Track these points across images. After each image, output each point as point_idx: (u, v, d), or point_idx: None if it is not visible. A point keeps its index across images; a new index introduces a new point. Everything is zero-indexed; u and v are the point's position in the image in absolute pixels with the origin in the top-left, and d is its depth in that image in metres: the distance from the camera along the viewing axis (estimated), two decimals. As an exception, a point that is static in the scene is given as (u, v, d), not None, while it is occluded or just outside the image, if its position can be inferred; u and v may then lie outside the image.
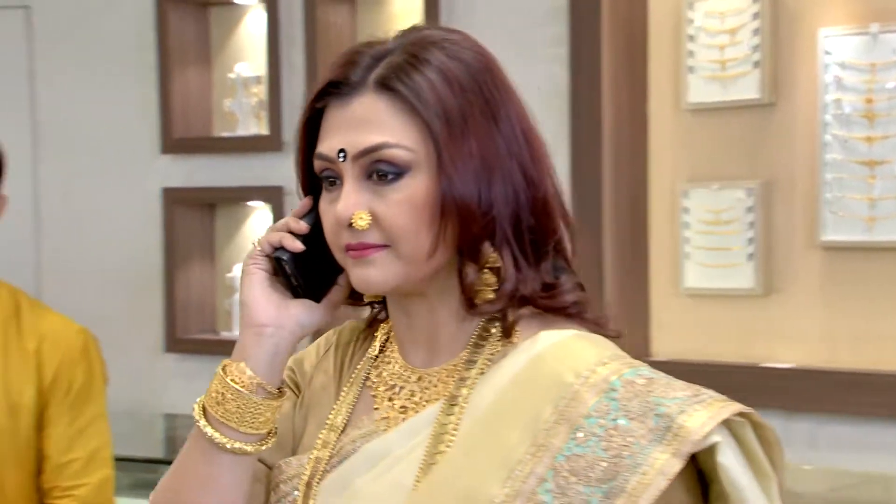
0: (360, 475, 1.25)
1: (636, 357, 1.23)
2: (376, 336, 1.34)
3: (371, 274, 1.21)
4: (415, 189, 1.20)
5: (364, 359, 1.34)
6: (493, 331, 1.25)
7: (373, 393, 1.30)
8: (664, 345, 3.32)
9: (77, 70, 4.35)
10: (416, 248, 1.20)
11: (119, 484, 3.69)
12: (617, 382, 1.15)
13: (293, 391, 1.37)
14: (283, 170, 3.55)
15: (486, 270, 1.24)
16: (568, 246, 1.27)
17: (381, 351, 1.34)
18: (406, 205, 1.20)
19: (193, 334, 4.11)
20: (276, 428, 1.28)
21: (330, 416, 1.32)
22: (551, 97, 3.30)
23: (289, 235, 1.27)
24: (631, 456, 1.11)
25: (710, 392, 1.16)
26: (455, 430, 1.21)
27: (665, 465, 1.10)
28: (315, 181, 1.26)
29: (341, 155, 1.21)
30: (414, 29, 1.26)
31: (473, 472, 1.16)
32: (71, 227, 4.40)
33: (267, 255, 1.28)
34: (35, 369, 2.49)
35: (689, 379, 1.19)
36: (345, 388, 1.33)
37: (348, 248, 1.21)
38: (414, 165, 1.20)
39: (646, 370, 1.17)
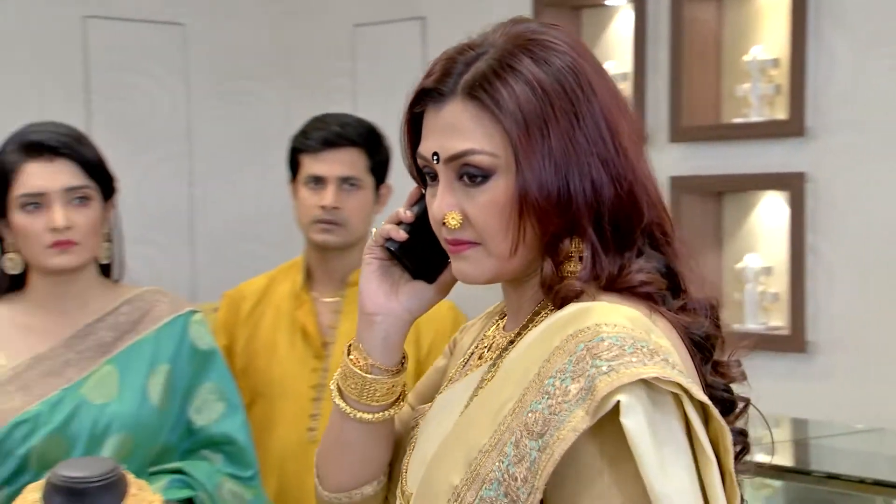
0: (435, 419, 1.36)
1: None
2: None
3: (465, 268, 1.28)
4: (499, 191, 1.24)
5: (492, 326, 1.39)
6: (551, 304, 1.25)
7: (475, 352, 1.39)
8: None
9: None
10: (503, 246, 1.25)
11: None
12: (581, 346, 1.15)
13: (450, 351, 1.50)
14: (802, 156, 3.59)
15: (569, 261, 1.26)
16: (667, 231, 1.29)
17: (501, 317, 1.39)
18: (492, 206, 1.24)
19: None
20: (403, 395, 1.40)
21: (451, 373, 1.43)
22: None
23: (394, 227, 1.34)
24: (560, 413, 1.12)
25: (669, 360, 1.15)
26: (484, 386, 1.29)
27: (579, 422, 1.11)
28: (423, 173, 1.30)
29: (435, 157, 1.26)
30: (511, 25, 1.28)
31: (477, 424, 1.21)
32: None
33: (381, 245, 1.36)
34: (414, 341, 2.63)
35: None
36: (470, 349, 1.42)
37: (446, 242, 1.29)
38: (498, 169, 1.24)
39: (617, 337, 1.14)
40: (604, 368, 1.11)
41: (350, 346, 1.37)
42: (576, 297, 1.22)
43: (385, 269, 1.37)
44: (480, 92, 1.23)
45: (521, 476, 1.13)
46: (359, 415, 1.38)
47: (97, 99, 4.82)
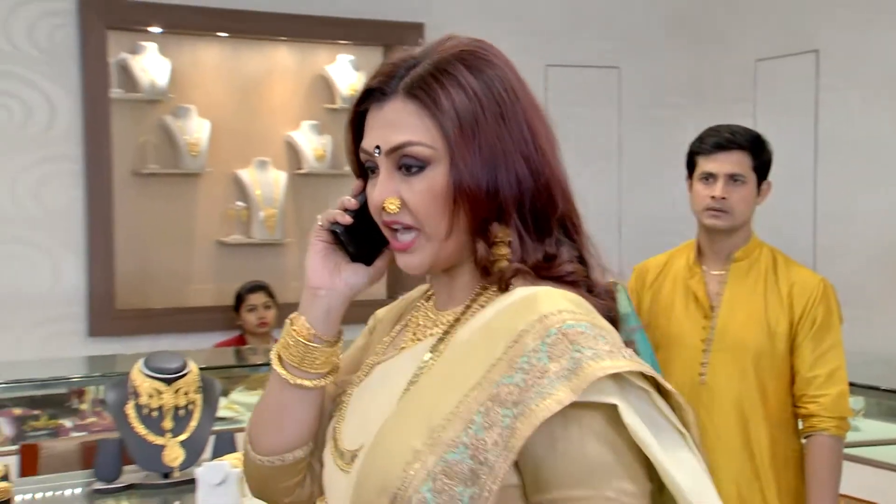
0: (372, 388, 1.24)
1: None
2: (431, 293, 1.30)
3: (409, 260, 1.18)
4: (434, 180, 1.14)
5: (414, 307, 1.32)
6: (492, 288, 1.18)
7: (406, 331, 1.29)
8: None
9: (859, 94, 4.50)
10: (438, 229, 1.16)
11: (871, 411, 3.63)
12: (553, 331, 1.06)
13: (369, 332, 1.38)
14: None
15: (498, 244, 1.16)
16: (576, 223, 1.19)
17: (426, 300, 1.29)
18: (428, 193, 1.15)
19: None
20: (336, 366, 1.29)
21: (378, 348, 1.31)
22: None
23: (340, 212, 1.24)
24: (541, 387, 1.03)
25: (631, 353, 1.08)
26: (435, 360, 1.17)
27: (563, 397, 1.02)
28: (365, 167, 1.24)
29: (377, 150, 1.17)
30: (448, 39, 1.19)
31: (436, 395, 1.10)
32: (843, 218, 4.54)
33: (327, 229, 1.25)
34: (788, 307, 2.55)
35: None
36: (396, 329, 1.31)
37: (385, 224, 1.18)
38: (434, 160, 1.14)
39: (586, 325, 1.07)
40: (588, 354, 1.03)
41: (292, 318, 1.26)
42: (513, 275, 1.15)
43: (329, 251, 1.26)
44: (420, 92, 1.14)
45: (492, 440, 1.03)
46: (298, 381, 1.25)
47: (555, 126, 5.00)
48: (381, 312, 1.38)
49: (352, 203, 1.22)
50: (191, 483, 2.17)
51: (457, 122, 1.13)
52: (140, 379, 2.45)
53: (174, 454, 2.38)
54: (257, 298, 4.59)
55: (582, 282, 1.16)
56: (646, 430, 1.03)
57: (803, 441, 2.58)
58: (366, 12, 4.82)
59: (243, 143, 4.87)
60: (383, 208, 1.15)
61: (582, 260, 1.17)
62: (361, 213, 1.21)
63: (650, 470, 1.06)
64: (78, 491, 2.27)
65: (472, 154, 1.13)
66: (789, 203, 4.49)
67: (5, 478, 1.94)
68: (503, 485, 1.03)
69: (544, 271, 1.15)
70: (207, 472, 2.09)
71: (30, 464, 3.11)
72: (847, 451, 2.67)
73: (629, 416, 1.03)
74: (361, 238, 1.23)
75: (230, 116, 4.86)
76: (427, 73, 1.14)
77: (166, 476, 2.43)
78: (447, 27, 4.91)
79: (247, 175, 4.87)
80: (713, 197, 2.55)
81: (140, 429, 2.40)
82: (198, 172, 4.77)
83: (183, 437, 2.42)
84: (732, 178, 2.56)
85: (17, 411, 3.94)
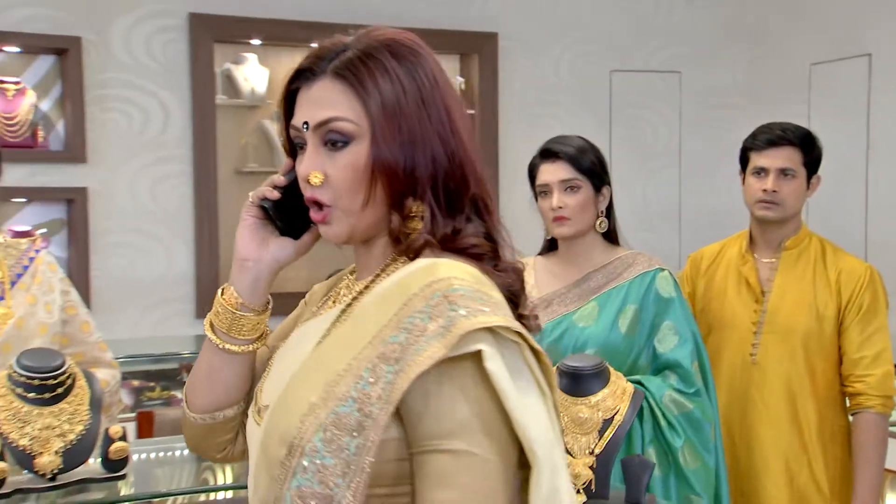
0: (289, 350, 1.23)
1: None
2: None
3: (329, 230, 1.17)
4: (356, 155, 1.13)
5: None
6: (402, 259, 1.17)
7: (328, 299, 1.27)
8: None
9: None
10: (354, 201, 1.14)
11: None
12: (437, 294, 1.06)
13: (304, 304, 1.36)
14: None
15: (413, 218, 1.15)
16: (488, 204, 1.18)
17: (351, 273, 1.27)
18: (350, 167, 1.14)
19: None
20: (265, 333, 1.27)
21: (305, 316, 1.30)
22: None
23: (269, 188, 1.22)
24: (417, 344, 1.03)
25: (507, 312, 1.08)
26: (341, 323, 1.16)
27: (436, 352, 1.01)
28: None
29: (305, 126, 1.15)
30: (374, 29, 1.19)
31: (335, 354, 1.10)
32: (894, 214, 4.48)
33: (257, 205, 1.24)
34: (836, 293, 2.55)
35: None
36: (323, 299, 1.29)
37: (309, 201, 1.17)
38: (357, 136, 1.13)
39: (469, 290, 1.06)
40: (462, 313, 1.03)
41: (223, 288, 1.25)
42: (423, 246, 1.14)
43: (258, 225, 1.24)
44: (347, 73, 1.14)
45: (377, 395, 1.03)
46: (227, 346, 1.24)
47: (616, 129, 5.20)
48: (317, 286, 1.36)
49: (280, 180, 1.21)
50: None
51: (380, 103, 1.12)
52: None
53: None
54: (347, 284, 4.65)
55: (486, 256, 1.16)
56: (508, 379, 1.03)
57: (850, 418, 2.58)
58: (444, 23, 4.82)
59: (332, 144, 4.89)
60: (307, 181, 1.14)
61: (490, 238, 1.17)
62: (291, 190, 1.20)
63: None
64: (186, 452, 2.37)
65: (393, 133, 1.12)
66: (842, 198, 4.47)
67: (123, 438, 2.05)
68: (389, 437, 1.04)
69: (450, 244, 1.14)
70: None
71: (145, 428, 3.24)
72: (892, 428, 2.66)
73: (492, 363, 1.02)
74: (289, 213, 1.21)
75: (322, 119, 4.89)
76: (355, 57, 1.14)
77: None
78: (519, 36, 5.01)
79: None
80: (765, 190, 2.55)
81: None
82: None
83: None
84: (783, 173, 2.55)
85: (135, 383, 4.06)
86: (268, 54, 4.72)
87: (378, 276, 1.18)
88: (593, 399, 1.82)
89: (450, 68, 4.96)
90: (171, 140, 4.44)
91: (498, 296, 1.09)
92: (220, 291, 1.24)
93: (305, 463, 1.04)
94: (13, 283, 2.28)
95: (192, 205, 4.48)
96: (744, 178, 2.64)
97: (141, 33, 4.40)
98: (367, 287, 1.17)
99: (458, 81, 4.96)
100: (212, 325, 1.24)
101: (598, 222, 2.37)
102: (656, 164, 5.29)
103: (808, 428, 2.55)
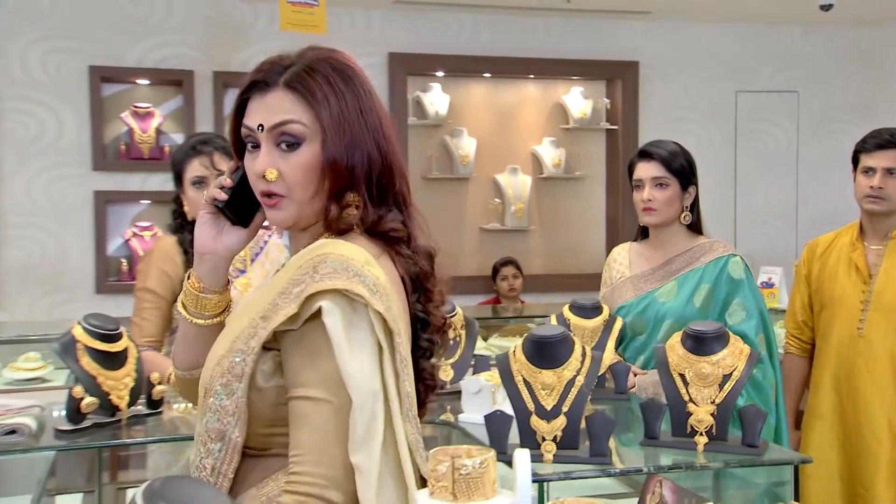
0: (233, 319, 1.20)
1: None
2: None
3: (277, 216, 1.16)
4: (306, 156, 1.12)
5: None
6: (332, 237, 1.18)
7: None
8: None
9: None
10: (304, 194, 1.14)
11: None
12: (309, 264, 1.08)
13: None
14: None
15: (349, 208, 1.15)
16: (407, 199, 1.18)
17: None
18: (301, 166, 1.12)
19: None
20: (228, 306, 1.26)
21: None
22: None
23: (218, 190, 1.20)
24: (282, 305, 1.06)
25: (372, 284, 1.07)
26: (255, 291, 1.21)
27: (290, 310, 1.04)
28: (240, 148, 1.20)
29: (260, 128, 1.13)
30: (313, 48, 1.17)
31: (242, 316, 1.12)
32: None
33: (211, 204, 1.22)
34: None
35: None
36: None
37: (262, 194, 1.16)
38: (306, 138, 1.12)
39: (338, 261, 1.06)
40: (317, 278, 1.05)
41: (189, 273, 1.25)
42: (349, 229, 1.15)
43: (213, 220, 1.22)
44: (298, 85, 1.13)
45: (251, 346, 1.06)
46: (195, 320, 1.23)
47: (741, 141, 5.22)
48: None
49: (227, 182, 1.21)
50: (458, 393, 2.16)
51: (328, 110, 1.12)
52: (417, 318, 2.51)
53: (446, 372, 2.32)
54: (508, 270, 4.70)
55: (402, 240, 1.18)
56: (341, 333, 1.04)
57: None
58: (594, 54, 4.98)
59: (500, 155, 5.00)
60: (263, 176, 1.14)
61: (405, 225, 1.18)
62: (239, 186, 1.20)
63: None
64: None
65: (340, 137, 1.13)
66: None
67: (160, 383, 2.04)
68: (270, 385, 1.08)
69: (375, 227, 1.16)
70: (469, 384, 2.09)
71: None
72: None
73: (329, 318, 1.04)
74: (238, 206, 1.21)
75: (491, 135, 5.02)
76: (303, 71, 1.14)
77: (441, 387, 2.31)
78: (656, 64, 5.01)
79: (502, 179, 4.98)
80: (872, 186, 2.50)
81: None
82: (467, 177, 4.95)
83: (452, 360, 2.36)
84: (889, 172, 2.51)
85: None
86: (448, 83, 4.97)
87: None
88: (714, 357, 1.77)
89: (597, 91, 5.15)
90: (372, 153, 4.65)
91: (376, 273, 1.10)
92: (186, 276, 1.26)
93: (211, 402, 1.10)
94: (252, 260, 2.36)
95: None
96: (854, 177, 2.59)
97: (352, 69, 4.66)
98: (283, 265, 1.21)
99: (604, 102, 5.13)
100: (183, 305, 1.26)
101: (682, 216, 2.37)
102: (776, 172, 5.27)
103: None
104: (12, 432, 1.84)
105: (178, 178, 2.31)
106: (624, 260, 2.50)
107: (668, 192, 2.33)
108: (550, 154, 5.02)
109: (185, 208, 2.32)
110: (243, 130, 1.17)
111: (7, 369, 2.89)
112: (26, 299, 4.16)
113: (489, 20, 4.79)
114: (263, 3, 4.37)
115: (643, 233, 2.50)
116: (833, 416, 2.53)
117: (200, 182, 2.26)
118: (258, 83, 1.16)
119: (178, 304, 1.26)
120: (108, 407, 1.95)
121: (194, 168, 2.27)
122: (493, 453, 0.96)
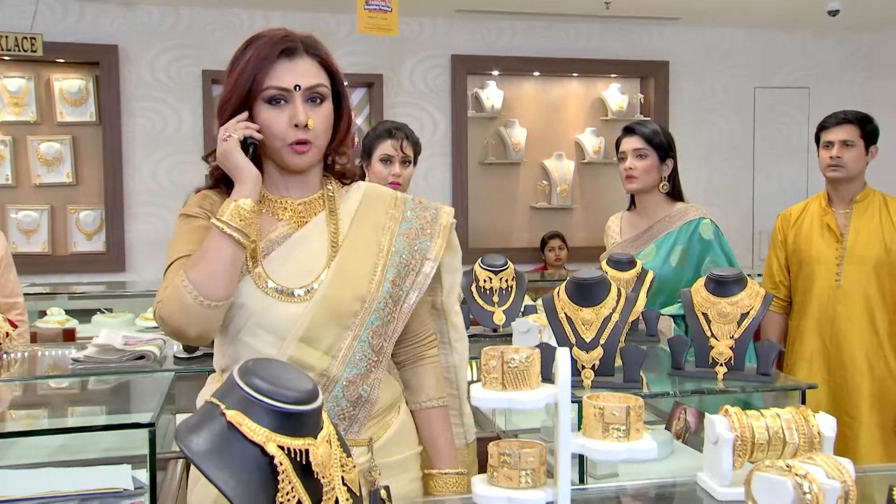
0: (292, 250, 1.20)
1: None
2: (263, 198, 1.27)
3: (305, 160, 1.19)
4: (328, 110, 1.21)
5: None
6: (333, 181, 1.27)
7: (282, 216, 1.24)
8: None
9: None
10: (325, 141, 1.22)
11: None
12: (408, 197, 1.27)
13: (207, 218, 1.29)
14: None
15: (343, 154, 1.25)
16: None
17: (263, 202, 1.24)
18: (326, 117, 1.20)
19: None
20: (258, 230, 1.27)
21: (270, 227, 1.23)
22: None
23: (254, 132, 1.18)
24: (431, 223, 1.22)
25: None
26: (337, 230, 1.20)
27: (446, 220, 1.24)
28: (243, 105, 1.21)
29: (297, 87, 1.17)
30: (309, 36, 1.22)
31: (365, 238, 1.20)
32: None
33: (241, 140, 1.19)
34: None
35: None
36: (268, 219, 1.24)
37: (296, 142, 1.18)
38: (327, 97, 1.20)
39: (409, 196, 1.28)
40: (433, 206, 1.25)
41: (240, 201, 1.15)
42: (353, 178, 1.28)
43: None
44: (317, 54, 1.20)
45: (422, 252, 1.22)
46: (243, 241, 1.14)
47: (759, 131, 5.11)
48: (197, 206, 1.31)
49: (258, 136, 1.18)
50: (509, 335, 2.16)
51: (336, 74, 1.22)
52: (479, 270, 2.38)
53: (499, 316, 2.26)
54: (555, 242, 4.69)
55: (357, 178, 1.30)
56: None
57: None
58: (629, 55, 4.95)
59: (547, 143, 4.94)
60: (306, 125, 1.16)
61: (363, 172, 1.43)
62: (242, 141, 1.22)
63: None
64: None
65: (343, 98, 1.23)
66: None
67: None
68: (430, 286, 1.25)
69: (349, 172, 1.29)
70: (519, 324, 2.07)
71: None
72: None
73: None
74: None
75: (539, 126, 4.96)
76: (318, 44, 1.21)
77: (495, 330, 2.36)
78: (685, 63, 4.87)
79: (549, 164, 4.91)
80: (832, 157, 2.44)
81: (479, 301, 2.34)
82: (518, 162, 4.89)
83: (505, 306, 2.29)
84: (845, 143, 2.47)
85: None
86: (503, 81, 4.94)
87: (322, 193, 1.24)
88: (734, 298, 1.70)
89: (633, 87, 5.14)
90: (437, 141, 4.72)
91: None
92: (231, 204, 1.15)
93: (379, 305, 1.17)
94: None
95: (450, 187, 4.76)
96: (819, 153, 2.52)
97: (420, 70, 4.69)
98: (323, 200, 1.23)
99: (638, 97, 5.12)
100: (230, 226, 1.15)
101: (661, 185, 2.35)
102: (789, 158, 5.19)
103: (882, 331, 2.50)
104: (141, 357, 1.93)
105: (368, 153, 2.34)
106: (616, 227, 2.52)
107: (647, 161, 2.33)
108: (591, 142, 4.95)
109: (367, 179, 2.34)
110: (271, 90, 1.17)
111: (139, 319, 3.07)
112: (152, 266, 4.32)
113: (538, 25, 4.80)
114: (344, 14, 4.45)
115: (631, 202, 2.50)
116: (818, 358, 2.53)
117: (388, 160, 2.29)
118: (286, 50, 1.18)
119: (225, 228, 1.13)
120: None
121: (385, 147, 2.30)
122: (537, 350, 0.96)
